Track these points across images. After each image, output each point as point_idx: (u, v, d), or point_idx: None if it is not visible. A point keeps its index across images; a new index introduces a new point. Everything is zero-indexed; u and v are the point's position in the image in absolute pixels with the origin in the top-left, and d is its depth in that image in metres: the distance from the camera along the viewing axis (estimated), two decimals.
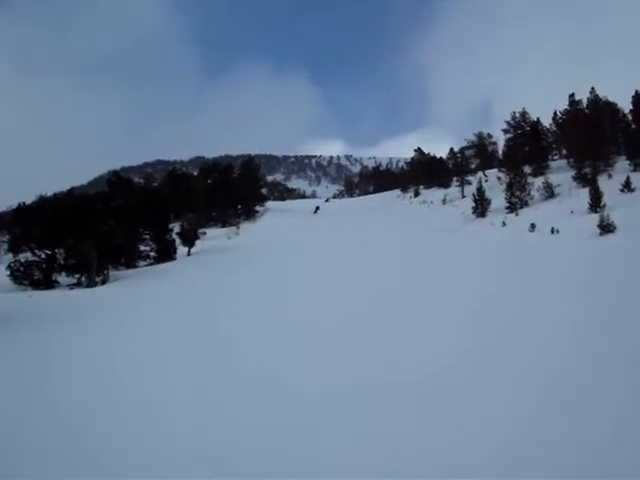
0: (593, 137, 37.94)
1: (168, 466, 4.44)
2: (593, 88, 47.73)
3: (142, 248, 28.28)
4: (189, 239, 30.70)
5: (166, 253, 28.89)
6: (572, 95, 48.66)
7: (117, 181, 29.81)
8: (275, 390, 6.31)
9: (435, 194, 54.18)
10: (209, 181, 53.18)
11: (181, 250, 29.97)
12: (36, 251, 23.62)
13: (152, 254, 28.85)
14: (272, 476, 4.18)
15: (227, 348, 8.66)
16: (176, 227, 31.62)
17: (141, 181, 50.93)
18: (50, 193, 38.16)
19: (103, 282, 22.71)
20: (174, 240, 30.17)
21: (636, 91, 43.33)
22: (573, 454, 4.19)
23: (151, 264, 27.84)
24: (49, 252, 23.67)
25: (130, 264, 27.18)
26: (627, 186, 28.40)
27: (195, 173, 60.95)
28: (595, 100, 47.44)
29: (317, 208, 54.81)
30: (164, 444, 4.85)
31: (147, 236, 28.83)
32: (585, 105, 47.94)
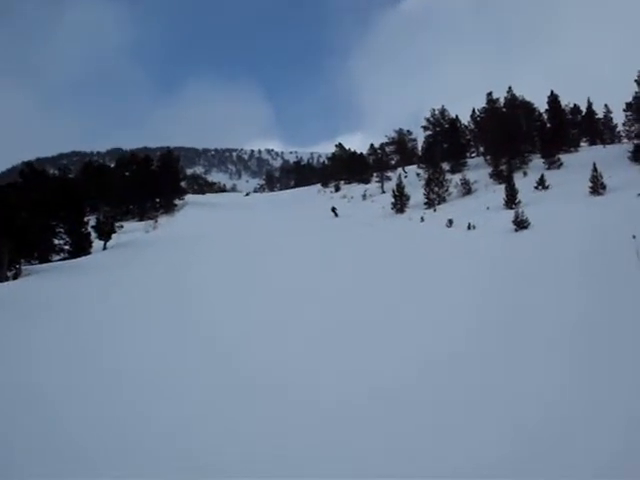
0: (509, 134, 39.18)
1: None
2: (510, 87, 49.48)
3: (56, 242, 27.93)
4: (105, 233, 30.50)
5: (81, 247, 28.76)
6: (490, 93, 50.43)
7: (30, 172, 29.02)
8: None
9: (356, 189, 54.63)
10: (127, 173, 52.19)
11: (97, 244, 29.81)
12: None
13: (67, 248, 28.59)
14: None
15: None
16: (92, 220, 31.32)
17: (56, 172, 48.91)
18: None
19: (15, 277, 22.48)
20: (90, 233, 30.02)
21: (551, 91, 47.22)
22: None
23: (65, 258, 27.69)
24: None
25: (44, 258, 26.85)
26: (541, 183, 29.55)
27: (112, 165, 59.28)
28: (512, 99, 48.94)
29: (334, 209, 39.21)
30: None
31: (61, 229, 28.46)
32: (502, 104, 49.53)
